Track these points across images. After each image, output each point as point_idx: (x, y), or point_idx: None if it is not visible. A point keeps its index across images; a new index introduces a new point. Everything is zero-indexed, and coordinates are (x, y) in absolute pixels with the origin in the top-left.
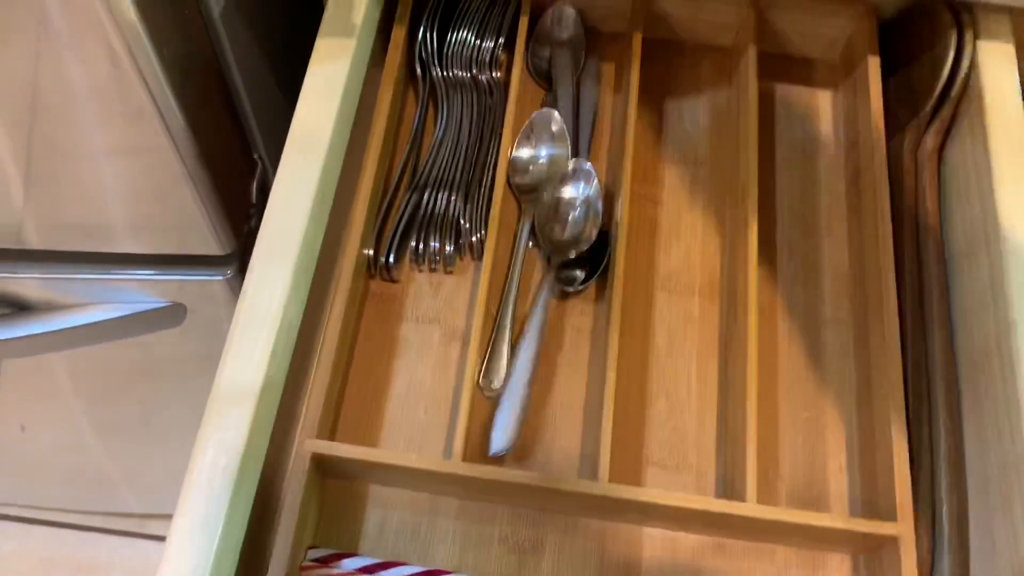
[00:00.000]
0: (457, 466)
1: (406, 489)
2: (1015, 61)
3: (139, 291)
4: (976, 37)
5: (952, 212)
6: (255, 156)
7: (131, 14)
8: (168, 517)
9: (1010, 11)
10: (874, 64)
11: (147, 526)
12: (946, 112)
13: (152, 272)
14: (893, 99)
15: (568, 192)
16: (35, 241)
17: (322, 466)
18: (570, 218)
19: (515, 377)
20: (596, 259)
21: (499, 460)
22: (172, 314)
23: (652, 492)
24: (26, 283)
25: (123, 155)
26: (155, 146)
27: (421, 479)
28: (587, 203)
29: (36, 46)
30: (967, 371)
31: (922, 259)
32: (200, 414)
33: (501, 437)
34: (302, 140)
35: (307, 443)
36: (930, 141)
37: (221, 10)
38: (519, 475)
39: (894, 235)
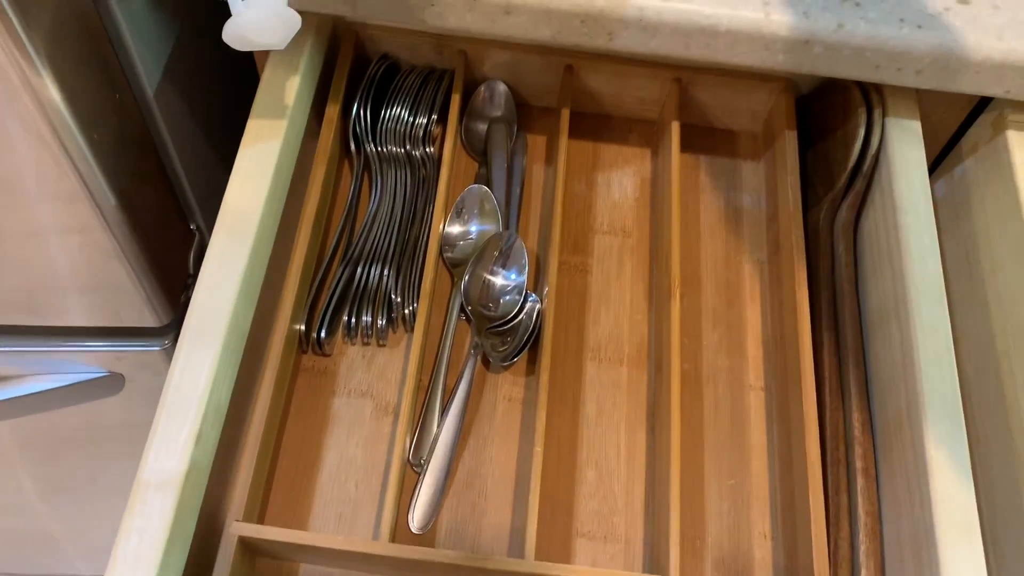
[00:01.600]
0: (385, 547)
1: (336, 568)
2: (921, 137)
3: (77, 362)
4: (885, 115)
5: (867, 283)
6: (192, 227)
7: (57, 102)
8: None
9: (916, 90)
10: (791, 138)
11: None
12: (859, 186)
13: (89, 344)
14: (811, 172)
15: (498, 272)
16: None
17: (250, 548)
18: (501, 298)
19: (435, 454)
20: (525, 329)
21: (429, 537)
22: (110, 383)
23: (577, 569)
24: None
25: (55, 234)
26: (87, 226)
27: (350, 559)
28: (517, 284)
29: None
30: (882, 438)
31: (839, 328)
32: None
33: (420, 515)
34: (231, 222)
35: (234, 526)
36: (845, 213)
37: (155, 90)
38: (446, 555)
39: (813, 304)
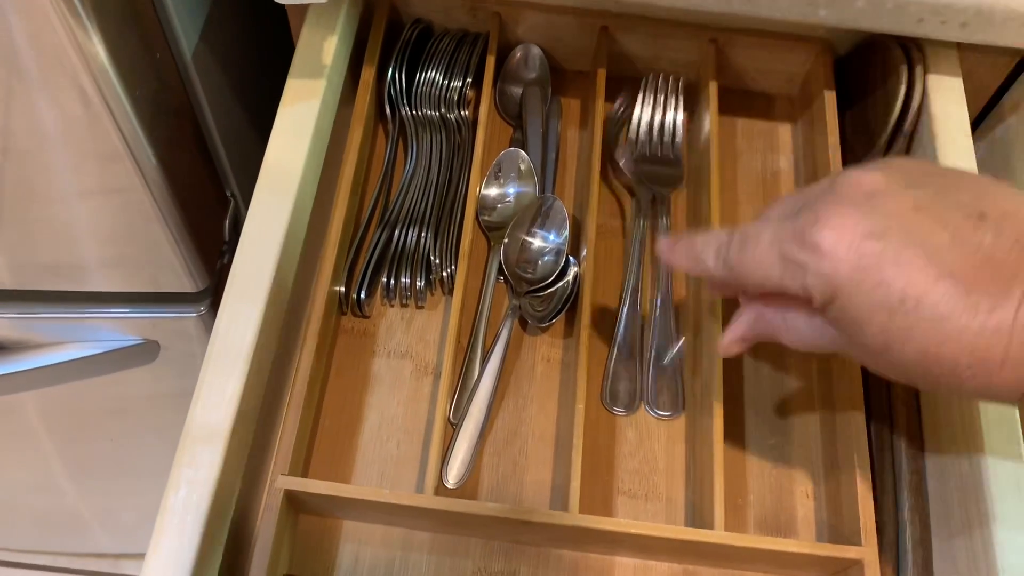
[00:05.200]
0: (429, 500)
1: (379, 524)
2: (963, 95)
3: (112, 329)
4: (926, 72)
5: None
6: (228, 193)
7: (102, 57)
8: (141, 556)
9: (958, 46)
10: (830, 99)
11: (121, 566)
12: (900, 145)
13: (125, 310)
14: (850, 132)
15: (537, 234)
16: (6, 281)
17: (295, 502)
18: (538, 260)
19: (470, 411)
20: (564, 291)
21: (471, 493)
22: (145, 351)
23: (621, 522)
24: None
25: (96, 196)
26: (128, 187)
27: (394, 513)
28: (555, 245)
29: (7, 90)
30: (926, 396)
31: None
32: (174, 451)
33: (455, 470)
34: (273, 179)
35: (280, 480)
36: None
37: (192, 52)
38: (490, 507)
39: None
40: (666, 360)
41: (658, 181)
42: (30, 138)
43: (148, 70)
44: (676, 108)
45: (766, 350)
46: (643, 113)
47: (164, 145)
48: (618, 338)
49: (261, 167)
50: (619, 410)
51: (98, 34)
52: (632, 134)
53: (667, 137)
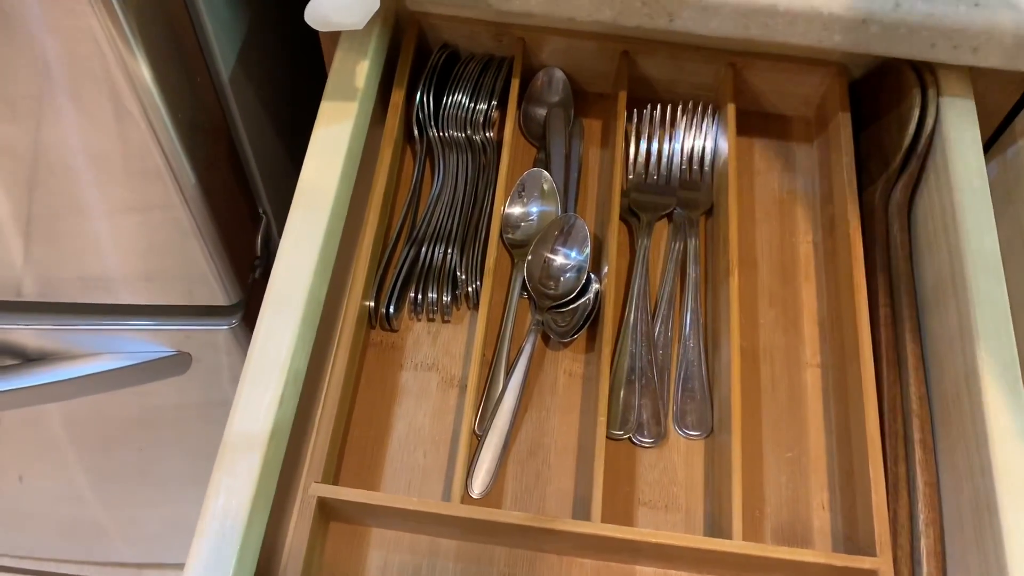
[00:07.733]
0: (456, 508)
1: (407, 532)
2: (976, 117)
3: (145, 341)
4: (939, 94)
5: (922, 260)
6: (260, 210)
7: (147, 80)
8: (163, 567)
9: (970, 69)
10: (845, 121)
11: (143, 575)
12: (913, 166)
13: (158, 322)
14: (865, 153)
15: (559, 251)
16: (42, 293)
17: (326, 509)
18: (561, 277)
19: (494, 423)
20: (585, 307)
21: (495, 503)
22: (177, 362)
23: (642, 531)
24: (33, 334)
25: (135, 212)
26: (166, 204)
27: (421, 521)
28: (577, 262)
29: (56, 110)
30: (940, 410)
31: (895, 305)
32: (198, 462)
33: (479, 480)
34: (308, 197)
35: (312, 487)
36: (900, 193)
37: (230, 75)
38: (515, 516)
39: (869, 282)
40: (695, 380)
41: (687, 205)
42: (75, 156)
43: (189, 92)
44: (707, 135)
45: (782, 366)
46: (674, 141)
47: (202, 164)
48: (638, 359)
49: (297, 186)
50: (646, 441)
51: (144, 58)
52: (665, 160)
53: (696, 164)
